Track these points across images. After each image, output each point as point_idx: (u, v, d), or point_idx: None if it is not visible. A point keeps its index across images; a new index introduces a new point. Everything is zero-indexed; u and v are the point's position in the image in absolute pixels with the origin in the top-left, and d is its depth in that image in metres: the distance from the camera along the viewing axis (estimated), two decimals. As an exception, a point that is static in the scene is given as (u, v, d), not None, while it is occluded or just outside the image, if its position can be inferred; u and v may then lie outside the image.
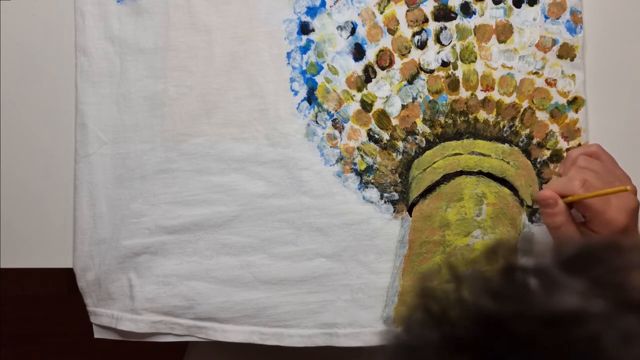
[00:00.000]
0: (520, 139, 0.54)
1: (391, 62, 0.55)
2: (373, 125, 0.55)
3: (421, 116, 0.55)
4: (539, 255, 0.27)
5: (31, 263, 0.59)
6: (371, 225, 0.55)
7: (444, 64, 0.54)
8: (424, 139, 0.55)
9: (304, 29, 0.56)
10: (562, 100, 0.54)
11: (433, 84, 0.55)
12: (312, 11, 0.56)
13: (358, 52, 0.55)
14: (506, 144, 0.54)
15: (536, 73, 0.54)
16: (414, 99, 0.55)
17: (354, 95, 0.55)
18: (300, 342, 0.55)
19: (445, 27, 0.54)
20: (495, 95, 0.54)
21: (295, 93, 0.56)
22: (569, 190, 0.48)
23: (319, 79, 0.56)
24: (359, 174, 0.55)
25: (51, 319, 1.18)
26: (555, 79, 0.54)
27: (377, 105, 0.55)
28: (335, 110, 0.56)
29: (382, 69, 0.55)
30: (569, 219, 0.47)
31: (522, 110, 0.54)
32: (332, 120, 0.56)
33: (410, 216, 0.55)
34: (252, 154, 0.56)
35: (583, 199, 0.46)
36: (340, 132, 0.56)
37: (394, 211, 0.55)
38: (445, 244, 0.54)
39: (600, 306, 0.22)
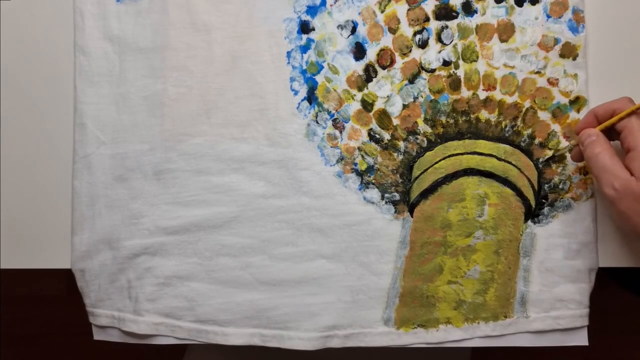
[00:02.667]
0: (522, 139, 0.54)
1: (392, 62, 0.55)
2: (374, 125, 0.55)
3: (422, 116, 0.54)
4: None
5: (31, 263, 0.59)
6: (372, 225, 0.55)
7: (446, 63, 0.54)
8: (425, 139, 0.55)
9: (304, 28, 0.56)
10: (564, 100, 0.54)
11: (434, 84, 0.54)
12: (312, 10, 0.55)
13: (359, 52, 0.55)
14: (508, 144, 0.54)
15: (538, 72, 0.54)
16: (415, 98, 0.54)
17: (355, 95, 0.55)
18: (300, 344, 0.54)
19: (447, 26, 0.54)
20: (497, 94, 0.54)
21: (296, 93, 0.55)
22: (610, 108, 0.47)
23: (319, 78, 0.55)
24: (360, 174, 0.55)
25: (51, 319, 1.19)
26: (557, 79, 0.54)
27: (378, 105, 0.55)
28: (336, 110, 0.55)
29: (383, 68, 0.55)
30: (608, 147, 0.46)
31: (523, 110, 0.54)
32: (332, 120, 0.55)
33: (412, 217, 0.55)
34: (252, 154, 0.56)
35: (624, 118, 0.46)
36: (340, 132, 0.55)
37: (395, 212, 0.55)
38: (447, 244, 0.54)
39: None
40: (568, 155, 0.54)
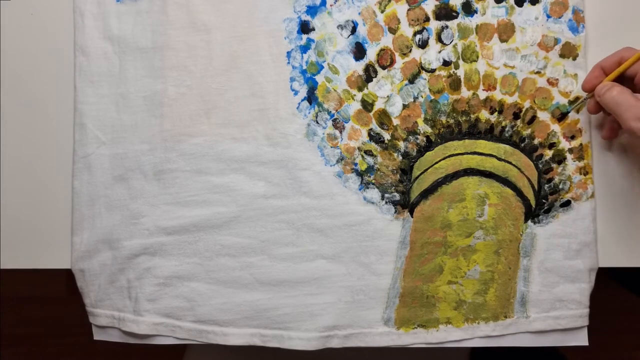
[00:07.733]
0: (522, 139, 0.54)
1: (392, 62, 0.55)
2: (374, 125, 0.55)
3: (422, 116, 0.54)
4: None
5: (31, 263, 0.59)
6: (372, 226, 0.54)
7: (446, 63, 0.54)
8: (425, 139, 0.55)
9: (304, 28, 0.56)
10: (564, 100, 0.54)
11: (434, 84, 0.54)
12: (312, 10, 0.55)
13: (359, 51, 0.55)
14: (508, 144, 0.54)
15: (538, 72, 0.54)
16: (415, 98, 0.54)
17: (355, 95, 0.55)
18: (300, 344, 0.54)
19: (447, 26, 0.54)
20: (497, 94, 0.54)
21: (296, 93, 0.55)
22: (617, 57, 0.49)
23: (320, 78, 0.55)
24: (360, 174, 0.55)
25: (51, 319, 1.19)
26: (557, 79, 0.54)
27: (378, 105, 0.55)
28: (336, 110, 0.55)
29: (383, 68, 0.55)
30: (626, 88, 0.48)
31: (523, 110, 0.54)
32: (332, 120, 0.55)
33: (412, 217, 0.55)
34: (252, 154, 0.55)
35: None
36: (340, 132, 0.55)
37: (395, 212, 0.55)
38: (447, 244, 0.54)
39: None
40: (569, 156, 0.54)
